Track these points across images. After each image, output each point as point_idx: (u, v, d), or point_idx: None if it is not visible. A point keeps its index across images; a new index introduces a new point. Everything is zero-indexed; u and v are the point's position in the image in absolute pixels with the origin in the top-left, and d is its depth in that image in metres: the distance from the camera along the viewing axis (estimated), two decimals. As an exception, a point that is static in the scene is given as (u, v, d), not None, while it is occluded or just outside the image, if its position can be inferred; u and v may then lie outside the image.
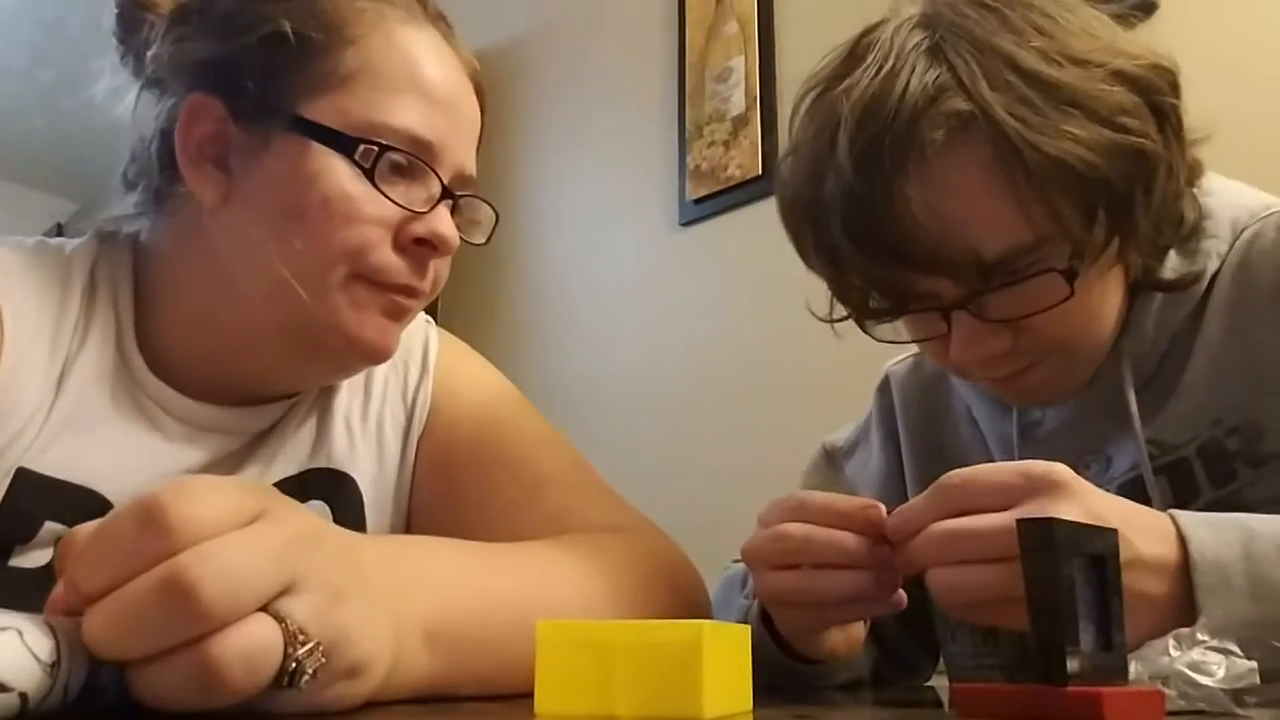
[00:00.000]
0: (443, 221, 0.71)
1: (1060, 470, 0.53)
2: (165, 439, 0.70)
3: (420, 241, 0.70)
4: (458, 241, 0.72)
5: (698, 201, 2.34)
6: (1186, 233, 0.74)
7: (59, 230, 3.85)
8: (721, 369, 2.20)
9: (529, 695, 0.41)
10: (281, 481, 0.74)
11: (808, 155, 0.72)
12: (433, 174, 0.70)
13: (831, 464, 0.97)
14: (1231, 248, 0.73)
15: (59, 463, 0.65)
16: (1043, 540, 0.45)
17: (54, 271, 0.70)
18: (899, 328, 0.77)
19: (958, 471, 0.54)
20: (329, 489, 0.76)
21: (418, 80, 0.71)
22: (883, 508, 0.58)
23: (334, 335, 0.69)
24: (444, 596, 0.51)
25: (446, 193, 0.71)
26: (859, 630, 0.69)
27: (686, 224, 2.36)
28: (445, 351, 0.86)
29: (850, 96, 0.68)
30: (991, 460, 0.83)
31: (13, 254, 0.69)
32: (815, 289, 0.79)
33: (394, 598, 0.47)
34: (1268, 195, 0.78)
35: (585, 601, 0.59)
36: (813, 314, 0.81)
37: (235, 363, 0.72)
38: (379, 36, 0.71)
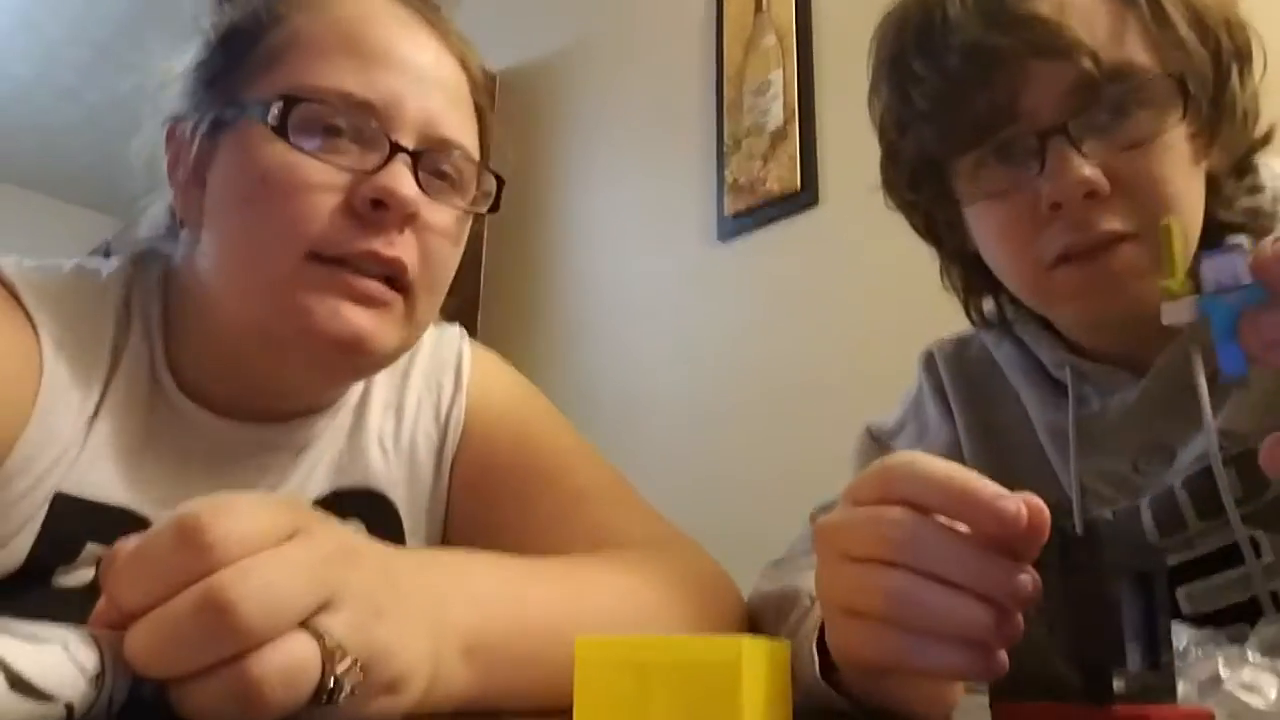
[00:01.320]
0: (396, 178, 0.65)
1: None
2: (201, 460, 0.70)
3: (376, 205, 0.64)
4: (417, 200, 0.66)
5: (735, 216, 2.33)
6: (1254, 209, 0.74)
7: (107, 249, 3.93)
8: (758, 385, 2.19)
9: (568, 711, 0.41)
10: (317, 500, 0.74)
11: None
12: (380, 134, 0.66)
13: (879, 445, 0.93)
14: None
15: (98, 487, 0.66)
16: (1089, 556, 0.44)
17: (90, 296, 0.70)
18: (988, 180, 0.72)
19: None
20: (365, 508, 0.76)
21: (351, 40, 0.67)
22: (1025, 507, 0.41)
23: (299, 329, 0.64)
24: (482, 610, 0.51)
25: (398, 149, 0.66)
26: (955, 690, 0.50)
27: (724, 239, 2.36)
28: (478, 366, 0.84)
29: None
30: (1044, 452, 0.80)
31: (50, 279, 0.69)
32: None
33: (432, 612, 0.47)
34: None
35: (624, 616, 0.59)
36: (881, 185, 0.79)
37: (246, 377, 0.70)
38: (308, 7, 0.69)
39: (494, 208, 0.72)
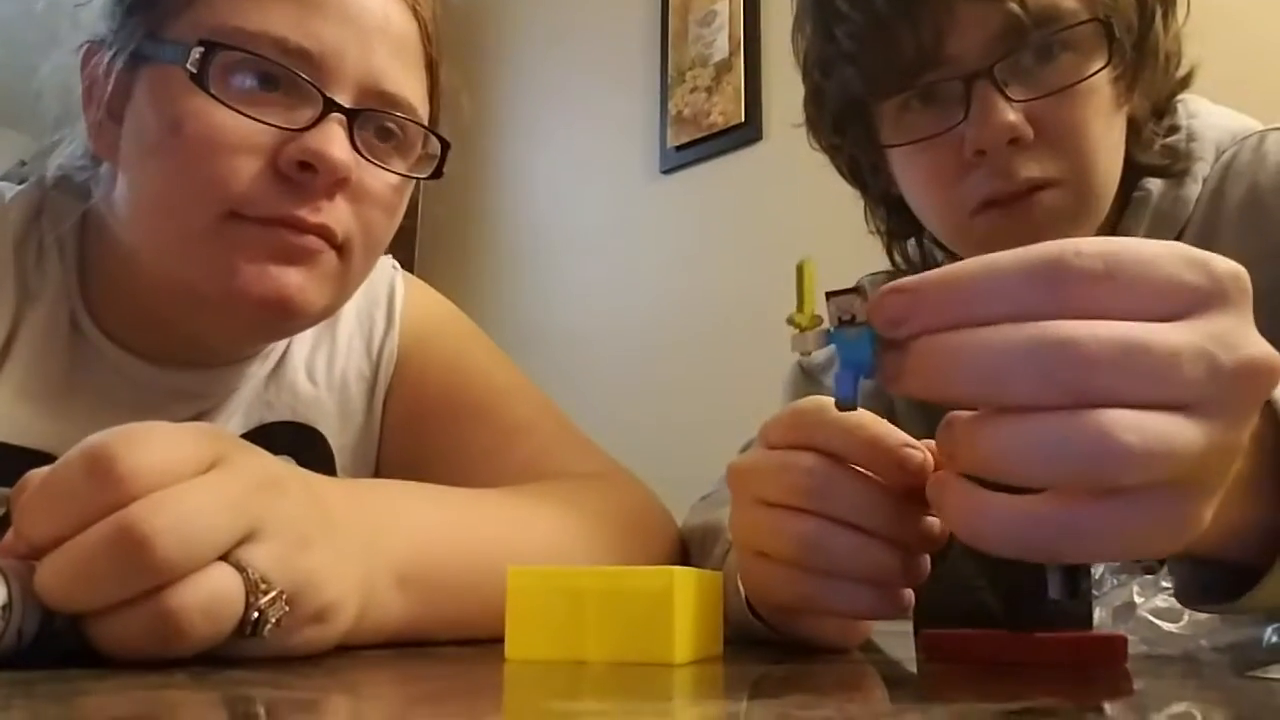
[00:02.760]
0: (327, 140, 0.59)
1: (1242, 274, 0.33)
2: (126, 406, 0.65)
3: (304, 168, 0.59)
4: (349, 165, 0.60)
5: (679, 148, 2.32)
6: (1170, 148, 0.75)
7: (21, 167, 3.78)
8: (701, 318, 2.20)
9: (501, 640, 0.41)
10: (243, 435, 0.72)
11: None
12: (314, 89, 0.60)
13: (809, 378, 0.94)
14: (1213, 171, 0.74)
15: (13, 430, 0.62)
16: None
17: None
18: (911, 125, 0.71)
19: (1076, 254, 0.31)
20: (295, 442, 0.73)
21: None
22: (929, 455, 0.42)
23: (223, 289, 0.60)
24: (416, 539, 0.51)
25: (333, 107, 0.60)
26: (865, 625, 0.52)
27: (667, 171, 2.35)
28: (412, 300, 0.82)
29: None
30: None
31: None
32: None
33: (363, 541, 0.47)
34: (1249, 119, 0.78)
35: (559, 546, 0.59)
36: (818, 169, 0.78)
37: (169, 327, 0.66)
38: None
39: (437, 173, 0.68)
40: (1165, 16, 0.70)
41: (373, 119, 0.63)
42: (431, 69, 0.69)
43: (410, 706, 0.33)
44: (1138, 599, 0.49)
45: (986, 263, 0.33)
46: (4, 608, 0.36)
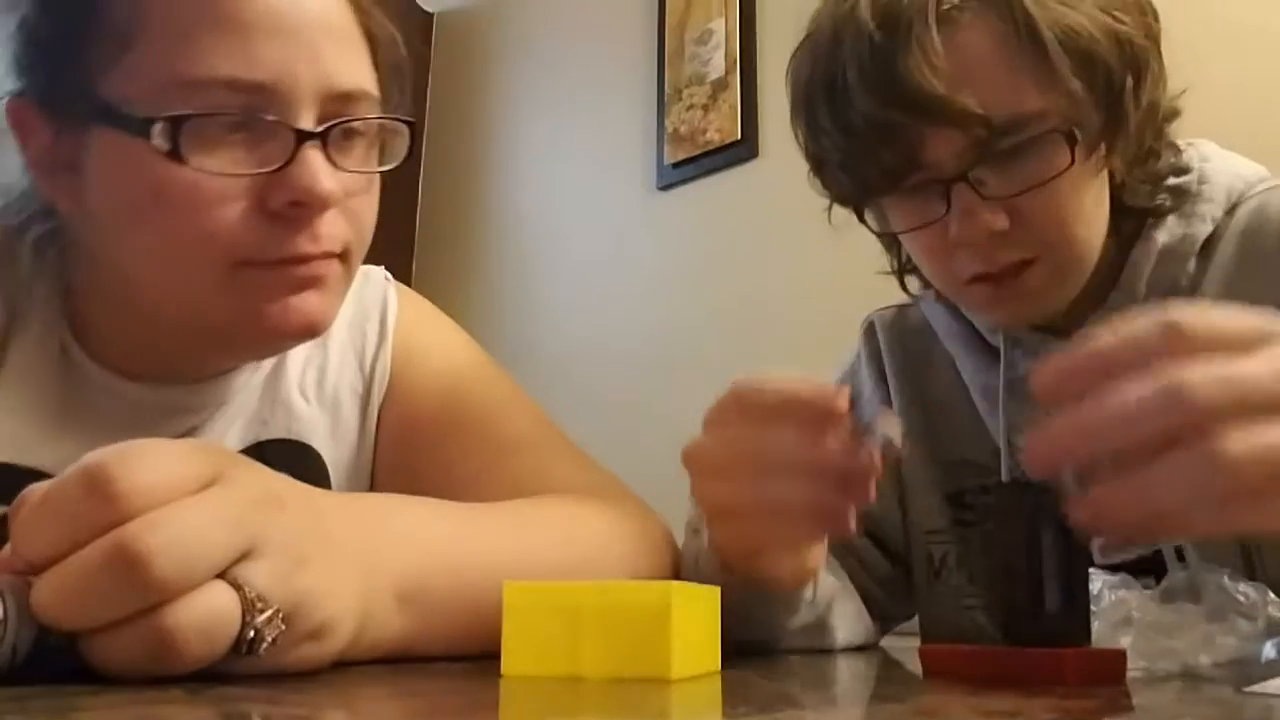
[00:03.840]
0: (309, 173, 0.58)
1: None
2: (118, 425, 0.65)
3: (294, 204, 0.59)
4: (335, 191, 0.59)
5: (675, 165, 2.32)
6: (1181, 190, 0.78)
7: None
8: (698, 333, 2.20)
9: (498, 656, 0.41)
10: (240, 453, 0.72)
11: (827, 28, 0.75)
12: (280, 124, 0.58)
13: None
14: (1230, 215, 0.77)
15: (14, 450, 0.62)
16: (1012, 504, 0.46)
17: None
18: (900, 216, 0.77)
19: (1183, 319, 0.41)
20: (291, 460, 0.72)
21: (219, 7, 0.58)
22: (845, 393, 0.52)
23: (243, 328, 0.62)
24: (416, 556, 0.51)
25: (305, 136, 0.59)
26: (813, 558, 0.62)
27: (664, 188, 2.35)
28: (405, 313, 0.80)
29: None
30: (977, 413, 0.85)
31: None
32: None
33: (363, 557, 0.46)
34: (1261, 167, 0.81)
35: (558, 562, 0.59)
36: (815, 190, 0.82)
37: (167, 352, 0.67)
38: None
39: (409, 155, 0.66)
40: (1138, 83, 0.73)
41: (339, 127, 0.62)
42: (369, 38, 0.66)
43: (406, 722, 0.33)
44: (1136, 613, 0.49)
45: (1120, 340, 0.42)
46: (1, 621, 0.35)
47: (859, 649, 0.75)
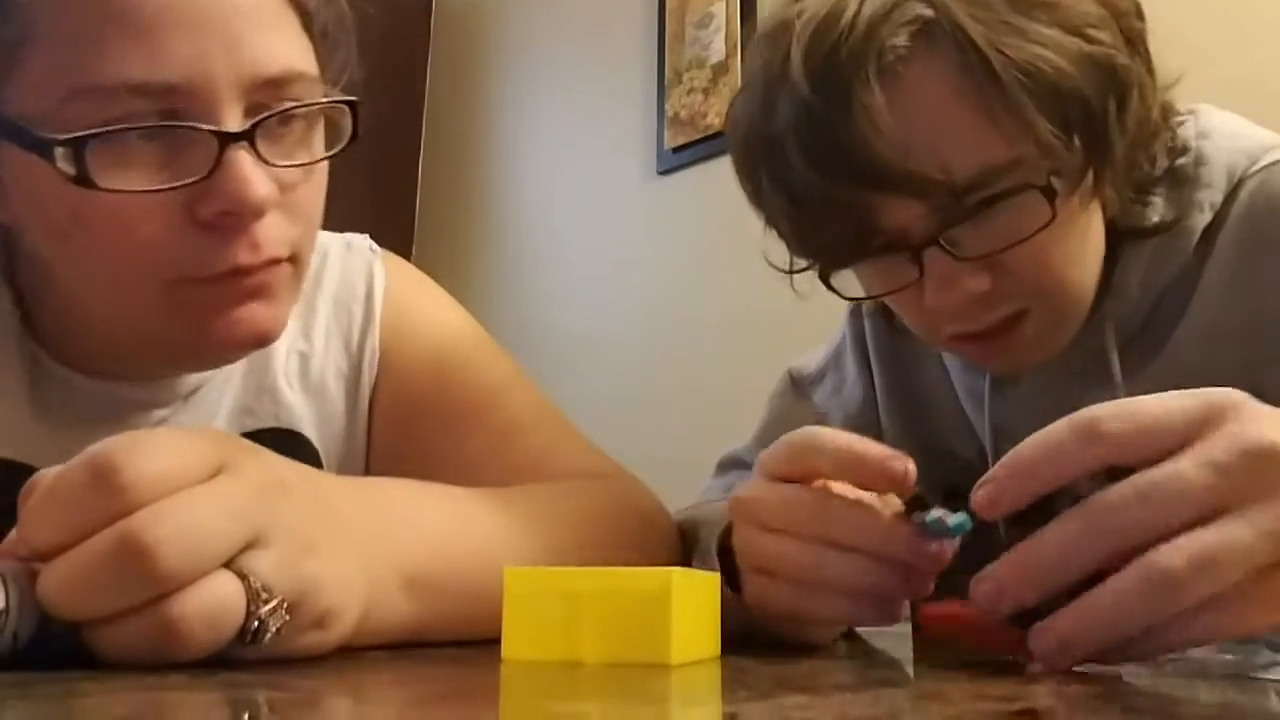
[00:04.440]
0: (237, 180, 0.52)
1: (1234, 394, 0.41)
2: (86, 419, 0.62)
3: (226, 214, 0.53)
4: (268, 196, 0.54)
5: (676, 150, 2.32)
6: (1176, 175, 0.70)
7: None
8: (698, 319, 2.20)
9: (499, 640, 0.41)
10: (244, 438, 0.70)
11: (759, 83, 0.67)
12: (200, 130, 0.52)
13: (799, 391, 0.92)
14: (1231, 198, 0.69)
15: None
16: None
17: None
18: (867, 280, 0.72)
19: (1101, 418, 0.41)
20: (281, 451, 0.68)
21: (113, 3, 0.51)
22: (911, 465, 0.47)
23: (189, 343, 0.58)
24: (424, 540, 0.51)
25: (228, 138, 0.52)
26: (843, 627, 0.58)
27: (664, 172, 2.35)
28: (394, 289, 0.75)
29: (803, 16, 0.64)
30: (963, 410, 0.81)
31: None
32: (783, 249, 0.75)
33: (370, 543, 0.46)
34: (1268, 134, 0.72)
35: (563, 547, 0.58)
36: (771, 265, 0.75)
37: (122, 358, 0.63)
38: None
39: (353, 136, 0.59)
40: (1121, 106, 0.64)
41: (270, 120, 0.55)
42: (296, 6, 0.59)
43: (407, 707, 0.33)
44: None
45: (1041, 449, 0.41)
46: (1, 612, 0.36)
47: (857, 638, 0.75)
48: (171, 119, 0.52)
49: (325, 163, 0.61)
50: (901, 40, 0.61)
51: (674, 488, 0.83)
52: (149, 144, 0.52)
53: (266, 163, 0.54)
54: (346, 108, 0.59)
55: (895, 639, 0.53)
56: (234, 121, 0.53)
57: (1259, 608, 0.38)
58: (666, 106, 2.35)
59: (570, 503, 0.63)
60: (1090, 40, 0.62)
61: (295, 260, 0.59)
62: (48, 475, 0.38)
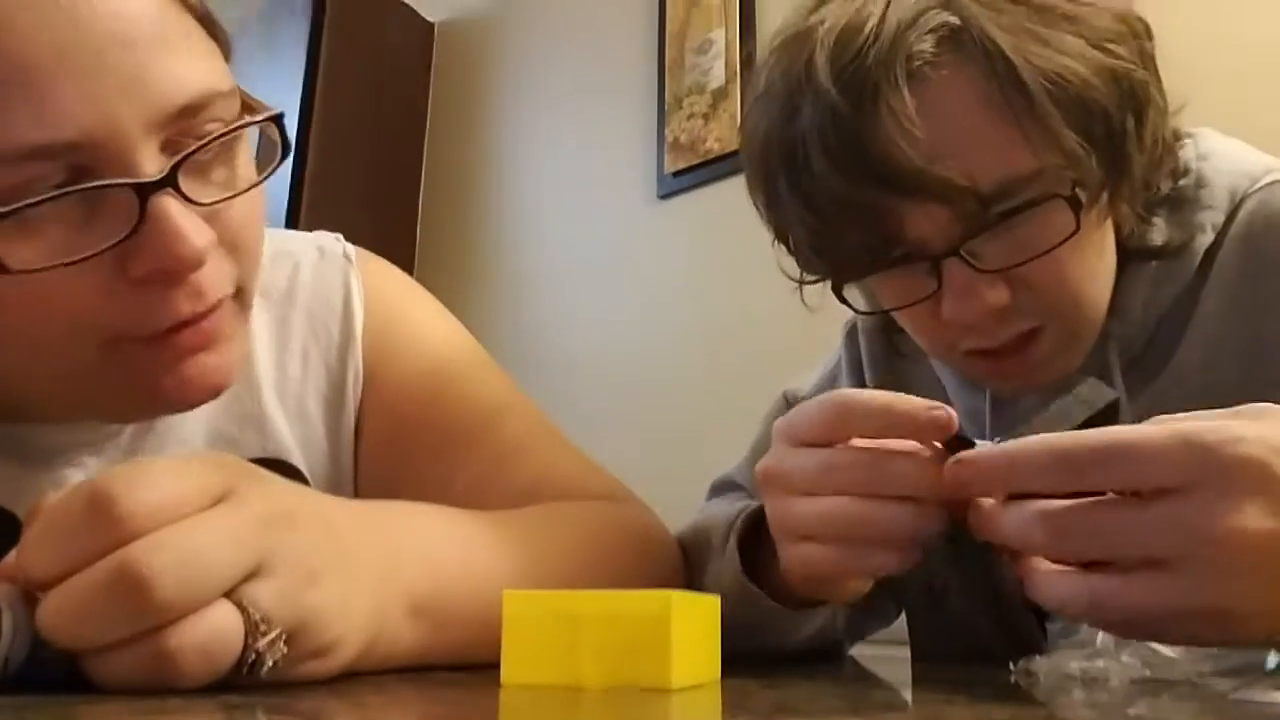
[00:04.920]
0: (168, 234, 0.47)
1: (1248, 449, 0.40)
2: (36, 470, 0.58)
3: (159, 270, 0.48)
4: (205, 245, 0.49)
5: (676, 174, 2.33)
6: (1177, 197, 0.70)
7: None
8: (698, 342, 2.20)
9: (498, 665, 0.41)
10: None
11: (780, 90, 0.66)
12: (115, 189, 0.47)
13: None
14: (1231, 219, 0.69)
15: None
16: None
17: None
18: (876, 295, 0.71)
19: (1102, 432, 0.42)
20: None
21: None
22: (952, 410, 0.48)
23: (134, 401, 0.54)
24: (429, 568, 0.50)
25: (149, 189, 0.47)
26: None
27: (664, 197, 2.35)
28: (376, 301, 0.70)
29: (825, 24, 0.63)
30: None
31: None
32: (790, 263, 0.74)
33: (377, 570, 0.46)
34: (1268, 157, 0.72)
35: (566, 570, 0.58)
36: (785, 275, 0.74)
37: (56, 410, 0.57)
38: None
39: (285, 151, 0.54)
40: (1140, 122, 0.64)
41: (191, 158, 0.49)
42: (193, 13, 0.52)
43: (405, 731, 0.33)
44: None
45: (1021, 453, 0.43)
46: None
47: (853, 661, 0.75)
48: (81, 176, 0.46)
49: (264, 192, 0.56)
50: (928, 46, 0.61)
51: (673, 510, 0.83)
52: (61, 208, 0.46)
53: (194, 203, 0.49)
54: (272, 125, 0.54)
55: (895, 663, 0.53)
56: (151, 165, 0.48)
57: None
58: (667, 131, 2.37)
59: (569, 526, 0.63)
60: (1111, 54, 0.62)
61: (240, 294, 0.55)
62: (47, 502, 0.38)
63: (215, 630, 0.37)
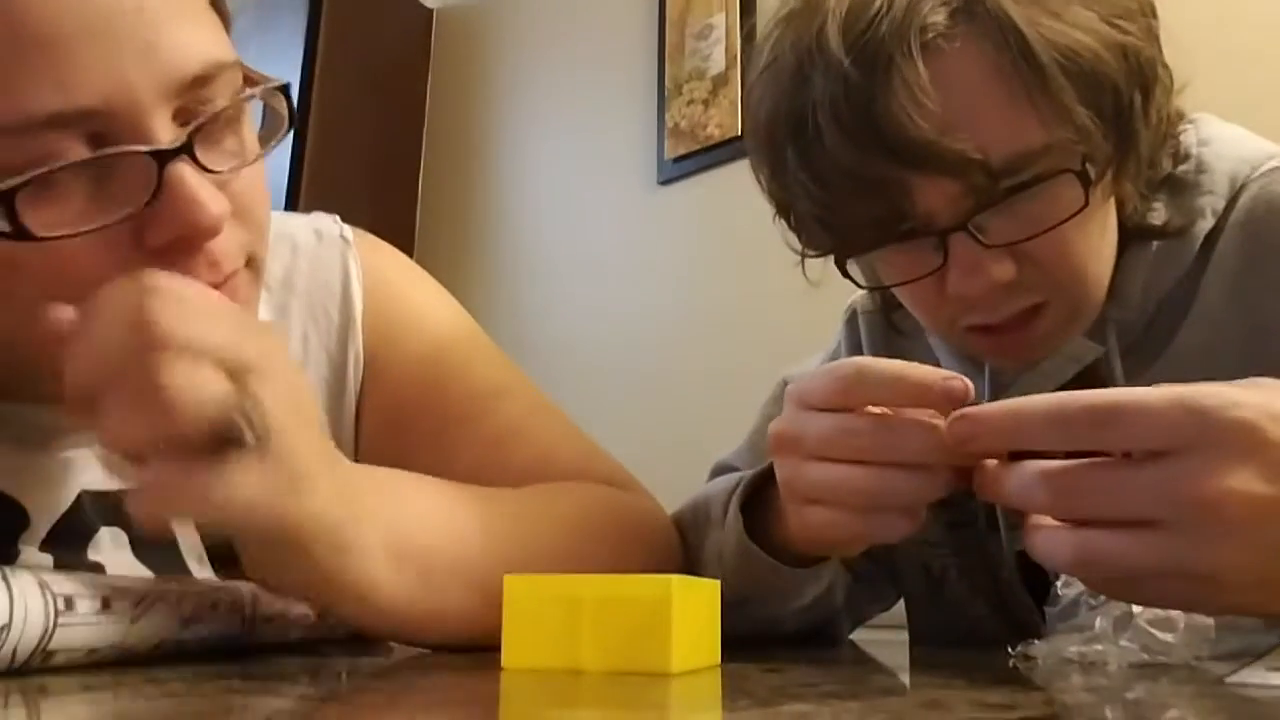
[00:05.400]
0: (186, 201, 0.47)
1: (1247, 422, 0.40)
2: (34, 452, 0.58)
3: (178, 239, 0.48)
4: (223, 211, 0.49)
5: (676, 160, 2.32)
6: (1177, 181, 0.70)
7: None
8: (698, 329, 2.20)
9: (498, 649, 0.41)
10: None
11: (790, 61, 0.65)
12: (132, 154, 0.46)
13: None
14: (1231, 204, 0.69)
15: None
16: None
17: None
18: (880, 271, 0.70)
19: (1101, 392, 0.42)
20: None
21: (8, 21, 0.44)
22: (969, 381, 0.48)
23: None
24: (410, 514, 0.51)
25: (166, 156, 0.47)
26: None
27: (665, 183, 2.35)
28: (375, 284, 0.70)
29: None
30: None
31: None
32: (792, 238, 0.74)
33: (355, 503, 0.48)
34: (1268, 143, 0.72)
35: (555, 548, 0.58)
36: (790, 248, 0.73)
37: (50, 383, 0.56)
38: None
39: (291, 123, 0.54)
40: (1147, 99, 0.64)
41: (205, 126, 0.50)
42: None
43: (407, 715, 0.33)
44: (1135, 609, 0.49)
45: (1023, 410, 0.44)
46: (2, 628, 0.36)
47: (852, 645, 0.75)
48: (98, 143, 0.46)
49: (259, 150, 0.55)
50: (941, 18, 0.60)
51: (672, 496, 0.83)
52: (79, 176, 0.46)
53: (209, 171, 0.49)
54: (279, 94, 0.53)
55: (894, 646, 0.53)
56: (166, 133, 0.48)
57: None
58: (667, 117, 2.36)
59: (563, 504, 0.62)
60: (1122, 30, 0.62)
61: (252, 263, 0.55)
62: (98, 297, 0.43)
63: (208, 379, 0.41)
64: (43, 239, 0.46)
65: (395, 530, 0.49)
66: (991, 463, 0.46)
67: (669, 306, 2.28)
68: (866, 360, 0.51)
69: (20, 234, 0.45)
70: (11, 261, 0.47)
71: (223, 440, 0.41)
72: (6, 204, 0.45)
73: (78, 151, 0.46)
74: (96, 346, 0.42)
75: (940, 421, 0.48)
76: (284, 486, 0.44)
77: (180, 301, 0.42)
